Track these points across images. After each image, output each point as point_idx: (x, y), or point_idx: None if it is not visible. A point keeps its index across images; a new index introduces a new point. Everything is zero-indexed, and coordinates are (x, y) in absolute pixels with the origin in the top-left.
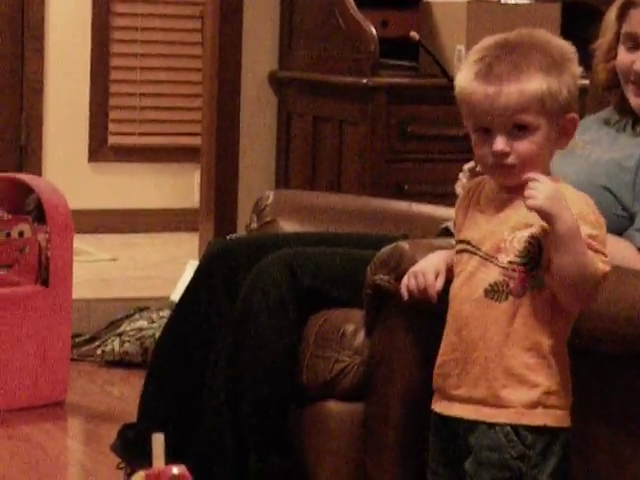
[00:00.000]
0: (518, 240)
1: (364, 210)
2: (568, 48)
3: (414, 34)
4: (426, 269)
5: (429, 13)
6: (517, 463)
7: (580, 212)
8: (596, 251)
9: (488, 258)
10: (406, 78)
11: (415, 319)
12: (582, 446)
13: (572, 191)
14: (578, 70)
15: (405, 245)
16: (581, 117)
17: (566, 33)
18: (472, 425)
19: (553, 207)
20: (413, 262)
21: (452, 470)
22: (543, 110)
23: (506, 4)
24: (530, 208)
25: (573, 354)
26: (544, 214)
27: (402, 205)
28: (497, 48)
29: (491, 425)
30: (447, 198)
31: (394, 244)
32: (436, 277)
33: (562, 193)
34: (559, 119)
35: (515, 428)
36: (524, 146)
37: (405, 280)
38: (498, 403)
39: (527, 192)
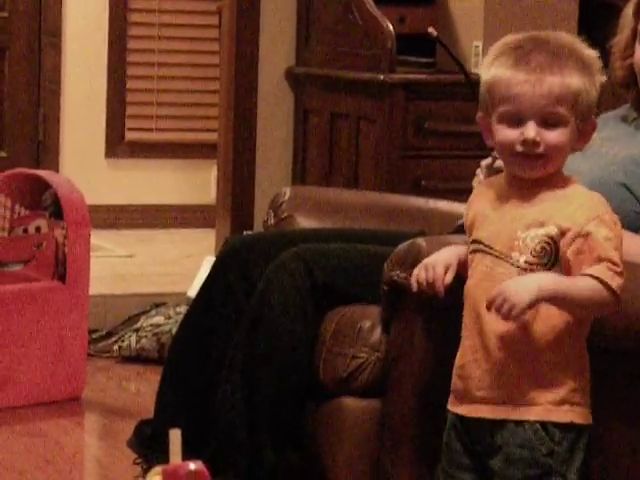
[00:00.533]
0: (532, 238)
1: (381, 206)
2: (595, 56)
3: (432, 30)
4: (437, 262)
5: (446, 9)
6: (547, 460)
7: (596, 213)
8: (610, 270)
9: (502, 257)
10: (423, 74)
11: (432, 315)
12: (601, 444)
13: (584, 192)
14: (602, 79)
15: (422, 242)
16: (598, 114)
17: (583, 29)
18: (498, 424)
19: (530, 296)
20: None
21: (475, 474)
22: (575, 107)
23: (524, 1)
24: (517, 317)
25: (592, 352)
26: (535, 303)
27: (419, 201)
28: (532, 41)
29: (519, 423)
30: (464, 194)
31: (411, 241)
32: (446, 271)
33: (517, 278)
34: (584, 120)
35: (544, 425)
36: (554, 137)
37: (415, 271)
38: (525, 401)
39: (502, 311)
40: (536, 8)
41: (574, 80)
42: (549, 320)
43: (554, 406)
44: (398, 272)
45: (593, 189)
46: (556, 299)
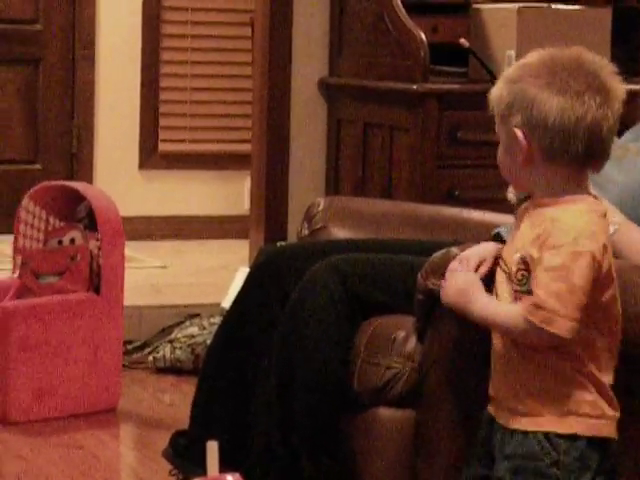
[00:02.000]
0: (515, 264)
1: (414, 216)
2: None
3: (464, 41)
4: (471, 255)
5: (479, 19)
6: (553, 470)
7: (549, 238)
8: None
9: (510, 277)
10: (456, 84)
11: (466, 325)
12: (630, 450)
13: (561, 215)
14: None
15: (456, 251)
16: (633, 123)
17: (616, 39)
18: (509, 433)
19: (458, 302)
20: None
21: (481, 467)
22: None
23: (557, 10)
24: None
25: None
26: (453, 309)
27: (452, 211)
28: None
29: (525, 434)
30: (498, 204)
31: (445, 250)
32: (479, 265)
33: (472, 282)
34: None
35: (547, 436)
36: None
37: (452, 264)
38: (530, 412)
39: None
40: (569, 17)
41: None
42: None
43: (558, 417)
44: (432, 281)
45: (625, 199)
46: (478, 321)
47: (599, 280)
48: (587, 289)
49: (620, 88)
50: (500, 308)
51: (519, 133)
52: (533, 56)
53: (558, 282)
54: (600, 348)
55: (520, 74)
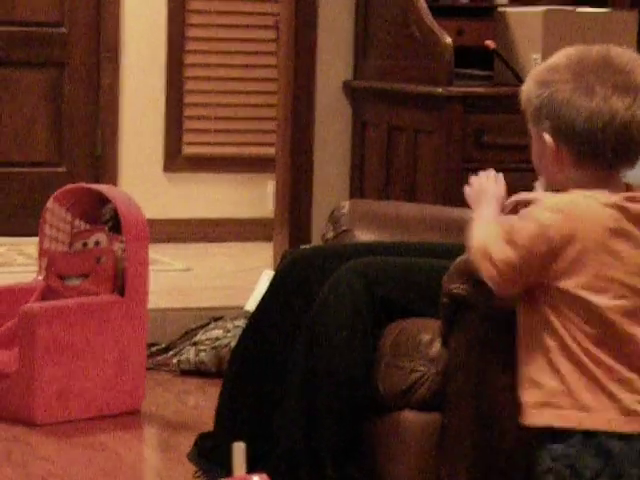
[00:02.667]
0: (507, 206)
1: (439, 219)
2: None
3: (489, 42)
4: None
5: (505, 22)
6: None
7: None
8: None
9: None
10: (481, 87)
11: (491, 328)
12: None
13: (559, 196)
14: None
15: None
16: None
17: None
18: None
19: (472, 197)
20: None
21: None
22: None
23: (582, 13)
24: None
25: None
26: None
27: None
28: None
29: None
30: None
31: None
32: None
33: (492, 193)
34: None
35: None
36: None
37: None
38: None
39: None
40: (595, 20)
41: None
42: (529, 323)
43: (534, 409)
44: (457, 285)
45: None
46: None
47: (556, 262)
48: (525, 254)
49: None
50: (478, 229)
51: (548, 138)
52: (561, 57)
53: (504, 232)
54: (576, 338)
55: (548, 78)
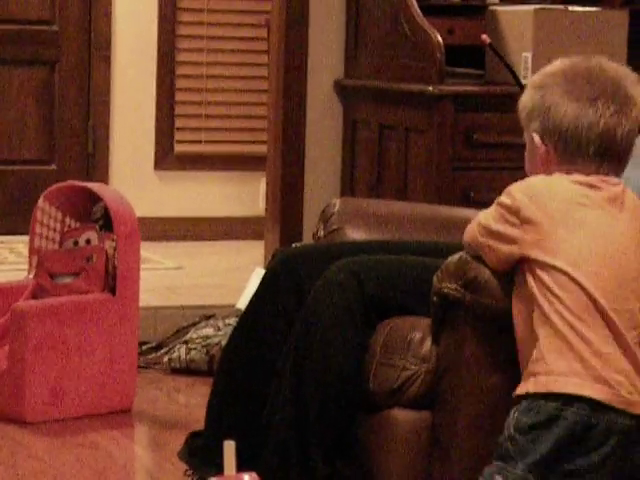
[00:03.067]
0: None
1: (430, 218)
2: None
3: (485, 37)
4: None
5: (496, 20)
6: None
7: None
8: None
9: None
10: (472, 86)
11: (483, 327)
12: None
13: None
14: None
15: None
16: None
17: (633, 40)
18: None
19: None
20: (479, 271)
21: None
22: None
23: (573, 11)
24: None
25: None
26: None
27: (467, 212)
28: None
29: None
30: None
31: (460, 253)
32: None
33: None
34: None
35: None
36: None
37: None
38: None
39: None
40: (586, 19)
41: None
42: (520, 298)
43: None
44: (448, 284)
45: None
46: None
47: (529, 233)
48: (488, 227)
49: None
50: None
51: (536, 137)
52: (556, 64)
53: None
54: (557, 310)
55: (542, 82)
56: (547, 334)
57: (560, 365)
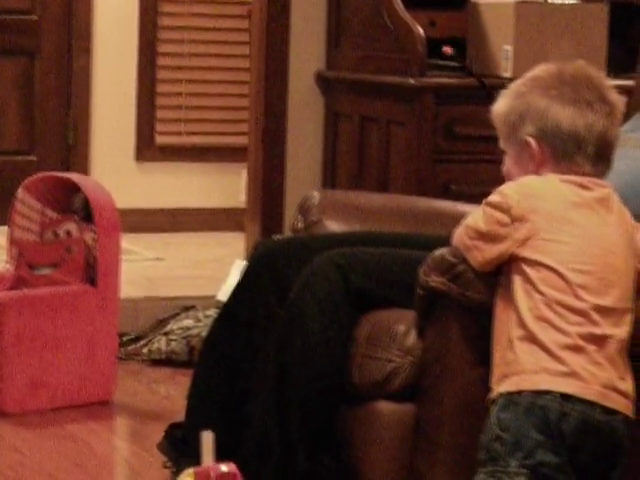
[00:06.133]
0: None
1: (410, 210)
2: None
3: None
4: None
5: (477, 13)
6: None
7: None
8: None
9: None
10: (453, 79)
11: (468, 320)
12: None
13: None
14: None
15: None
16: (630, 115)
17: (613, 34)
18: None
19: None
20: (467, 265)
21: None
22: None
23: (553, 4)
24: None
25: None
26: None
27: (447, 205)
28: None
29: None
30: None
31: (446, 248)
32: None
33: None
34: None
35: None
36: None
37: None
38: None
39: None
40: (566, 12)
41: None
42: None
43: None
44: (434, 277)
45: (628, 187)
46: None
47: (518, 231)
48: (477, 229)
49: (621, 100)
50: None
51: (532, 141)
52: (540, 70)
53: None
54: (535, 307)
55: (530, 86)
56: (521, 335)
57: (531, 364)
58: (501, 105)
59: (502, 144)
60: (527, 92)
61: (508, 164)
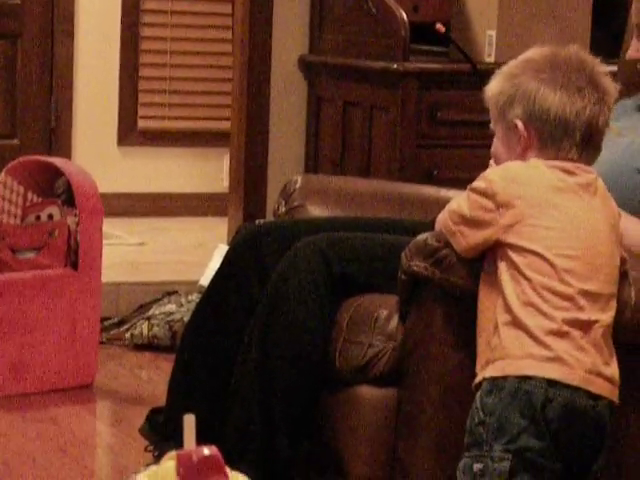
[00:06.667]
0: None
1: (393, 195)
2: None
3: (440, 26)
4: None
5: None
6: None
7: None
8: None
9: None
10: (437, 64)
11: (450, 305)
12: (619, 430)
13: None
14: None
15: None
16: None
17: (597, 20)
18: None
19: None
20: (450, 250)
21: None
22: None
23: None
24: None
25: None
26: None
27: (430, 190)
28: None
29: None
30: None
31: (429, 233)
32: None
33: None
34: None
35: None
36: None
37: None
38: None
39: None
40: None
41: None
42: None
43: (479, 371)
44: (417, 262)
45: (609, 176)
46: None
47: (503, 217)
48: (461, 214)
49: (613, 86)
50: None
51: (519, 123)
52: (534, 52)
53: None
54: (522, 292)
55: (522, 68)
56: (507, 321)
57: (516, 349)
58: (493, 86)
59: (492, 125)
60: (519, 74)
61: (496, 145)
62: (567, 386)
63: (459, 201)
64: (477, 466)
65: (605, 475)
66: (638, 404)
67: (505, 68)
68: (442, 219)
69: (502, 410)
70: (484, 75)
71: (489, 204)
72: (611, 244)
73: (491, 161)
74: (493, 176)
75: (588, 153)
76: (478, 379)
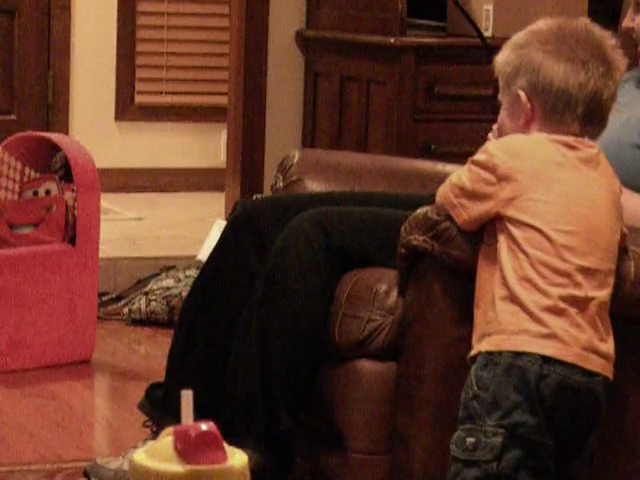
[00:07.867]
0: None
1: (390, 170)
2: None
3: None
4: None
5: None
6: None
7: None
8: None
9: None
10: (434, 38)
11: (450, 278)
12: (618, 404)
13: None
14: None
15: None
16: None
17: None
18: None
19: None
20: (450, 223)
21: None
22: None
23: None
24: None
25: (614, 322)
26: None
27: (427, 164)
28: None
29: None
30: None
31: (428, 207)
32: None
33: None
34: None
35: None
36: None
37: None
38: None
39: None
40: None
41: None
42: (480, 266)
43: (475, 343)
44: (417, 236)
45: (608, 151)
46: None
47: (503, 190)
48: (462, 187)
49: (621, 60)
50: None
51: (522, 94)
52: (542, 23)
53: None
54: (518, 267)
55: (528, 39)
56: (504, 295)
57: (512, 324)
58: (501, 56)
59: (499, 95)
60: (525, 45)
61: (502, 115)
62: (562, 363)
63: (460, 174)
64: (470, 440)
65: (603, 447)
66: (637, 376)
67: (513, 38)
68: (443, 192)
69: (496, 385)
70: (488, 50)
71: (490, 177)
72: (611, 219)
73: (490, 134)
74: (494, 149)
75: (592, 127)
76: (474, 352)
